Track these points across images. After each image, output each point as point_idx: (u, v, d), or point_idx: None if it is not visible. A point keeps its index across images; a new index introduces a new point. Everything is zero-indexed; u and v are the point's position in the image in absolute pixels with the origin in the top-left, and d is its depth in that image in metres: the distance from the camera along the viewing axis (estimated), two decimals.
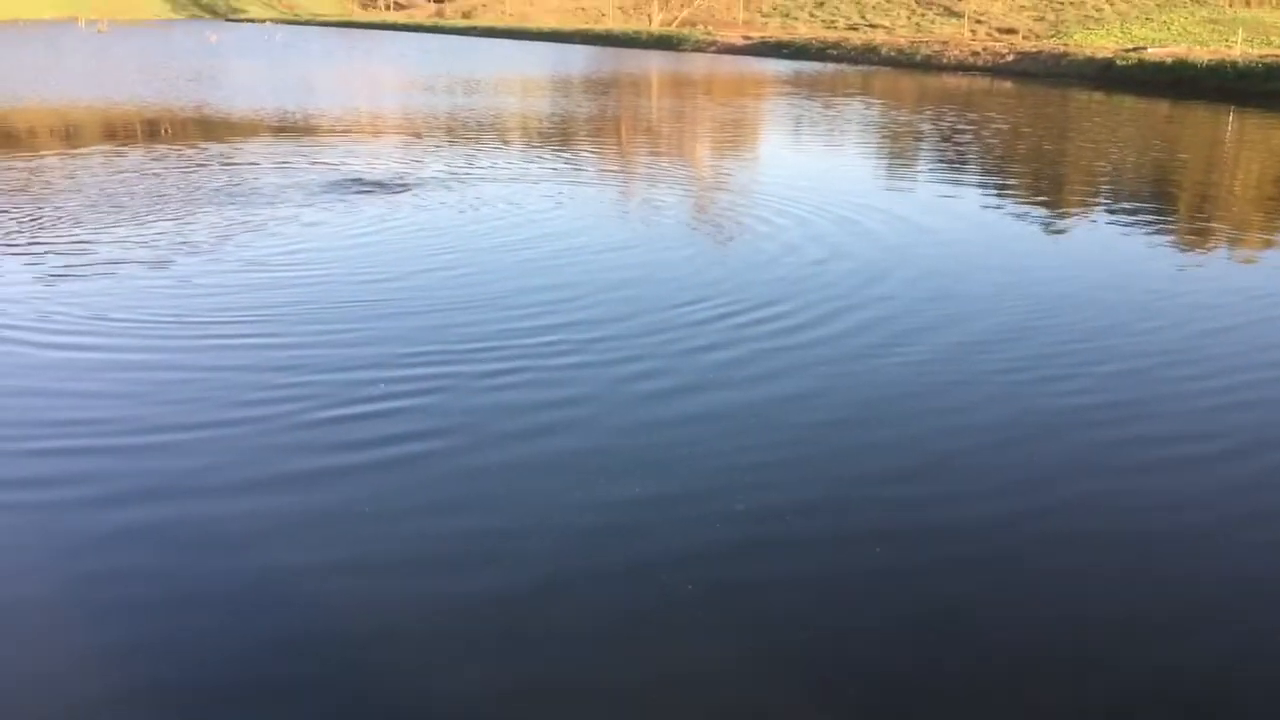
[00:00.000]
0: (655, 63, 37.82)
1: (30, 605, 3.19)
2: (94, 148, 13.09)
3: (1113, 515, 3.82)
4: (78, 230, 8.20)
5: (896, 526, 3.69)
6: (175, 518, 3.67)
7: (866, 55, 38.30)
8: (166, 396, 4.73)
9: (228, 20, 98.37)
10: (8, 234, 8.05)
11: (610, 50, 47.49)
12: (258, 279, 6.82)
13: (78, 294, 6.41)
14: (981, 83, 28.98)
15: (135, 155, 12.44)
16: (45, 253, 7.48)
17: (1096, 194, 11.00)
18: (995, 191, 11.07)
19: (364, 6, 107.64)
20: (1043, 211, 9.97)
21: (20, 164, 11.63)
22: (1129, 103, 23.04)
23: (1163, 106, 22.04)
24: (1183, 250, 8.41)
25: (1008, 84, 28.35)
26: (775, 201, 9.76)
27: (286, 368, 5.09)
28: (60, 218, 8.65)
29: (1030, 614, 3.21)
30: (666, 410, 4.64)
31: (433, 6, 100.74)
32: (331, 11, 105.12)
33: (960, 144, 15.10)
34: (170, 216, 8.77)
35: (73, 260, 7.25)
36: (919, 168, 12.83)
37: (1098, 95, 24.77)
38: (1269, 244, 8.89)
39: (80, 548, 3.49)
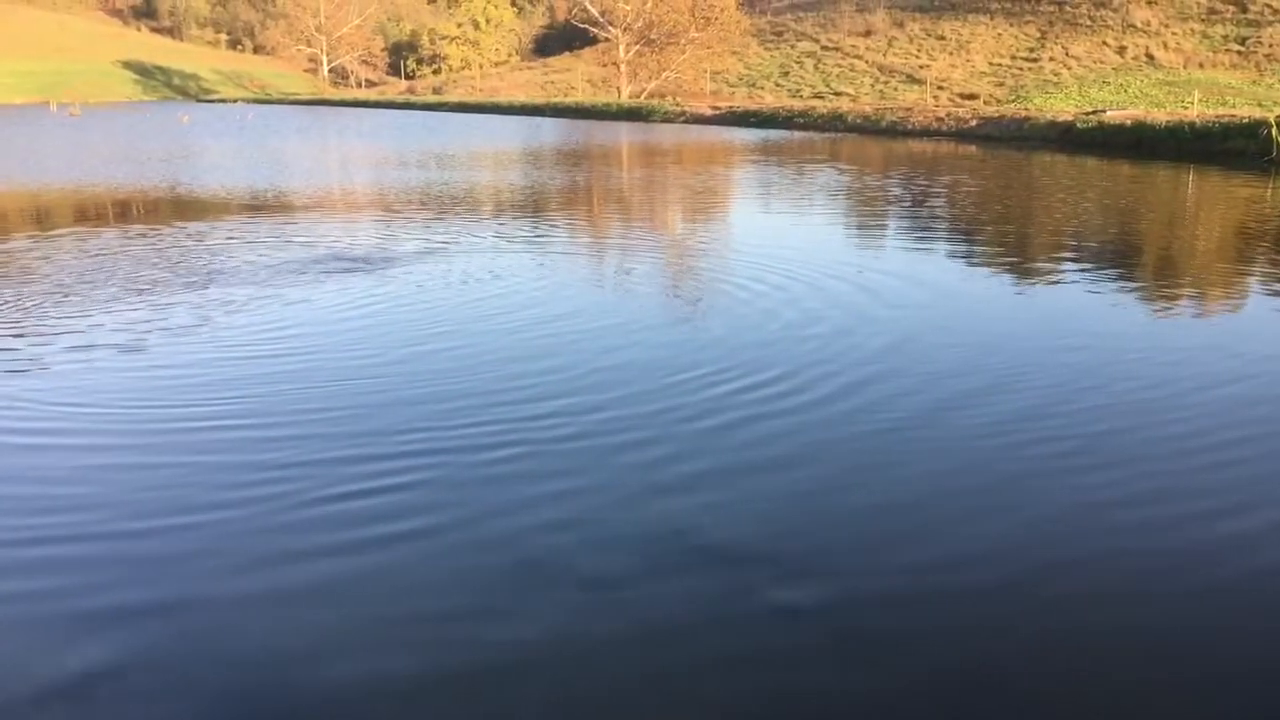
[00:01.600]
0: (626, 133, 38.29)
1: None
2: (66, 230, 12.95)
3: (1112, 576, 3.74)
4: (48, 315, 8.01)
5: (919, 623, 3.55)
6: (158, 627, 3.46)
7: (833, 122, 38.98)
8: (142, 490, 4.53)
9: (199, 100, 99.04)
10: None
11: (581, 122, 48.08)
12: (239, 361, 6.64)
13: (47, 382, 6.20)
14: (946, 147, 29.50)
15: (108, 236, 12.31)
16: (12, 339, 7.28)
17: (1072, 253, 11.08)
18: (976, 253, 11.15)
19: (335, 85, 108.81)
20: (1023, 272, 10.01)
21: None
22: (1091, 164, 23.48)
23: (1124, 167, 22.47)
24: (1162, 308, 8.44)
25: (972, 148, 28.86)
26: (760, 268, 9.74)
27: (271, 454, 4.91)
28: (29, 302, 8.46)
29: (1037, 681, 3.12)
30: (672, 488, 4.48)
31: (404, 83, 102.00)
32: (303, 90, 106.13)
33: (935, 207, 15.27)
34: (145, 299, 8.60)
35: (42, 347, 7.04)
36: (898, 231, 12.90)
37: (1060, 157, 25.23)
38: (1244, 298, 8.94)
39: (56, 677, 3.28)
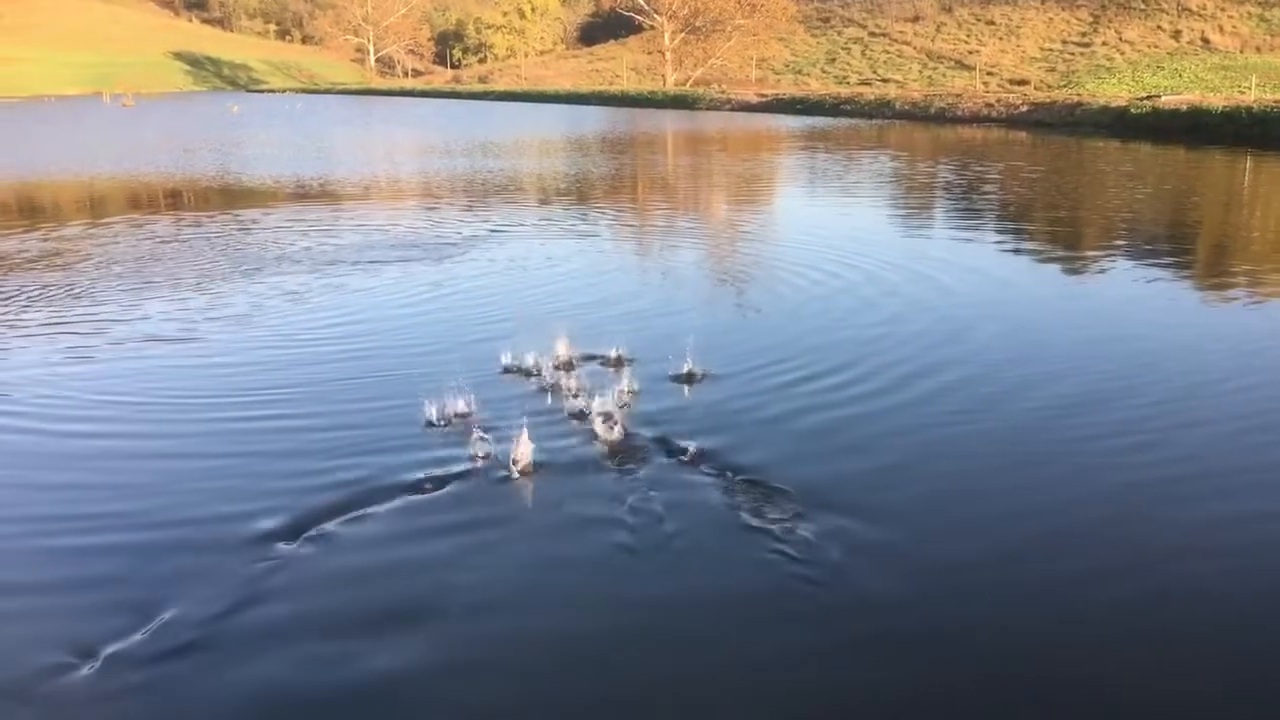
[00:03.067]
0: (672, 121, 38.12)
1: None
2: (118, 218, 13.12)
3: (1221, 601, 3.54)
4: (99, 305, 8.02)
5: (991, 619, 3.45)
6: (206, 623, 3.41)
7: (880, 109, 38.54)
8: (194, 486, 4.46)
9: (248, 91, 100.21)
10: (24, 310, 7.86)
11: (626, 110, 47.94)
12: (294, 353, 6.60)
13: (98, 374, 6.15)
14: (997, 133, 29.03)
15: (161, 225, 12.44)
16: (64, 331, 7.24)
17: (1155, 244, 10.77)
18: (1034, 241, 10.92)
19: (381, 74, 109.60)
20: (1105, 263, 9.68)
21: (41, 237, 11.60)
22: (1147, 150, 23.01)
23: (1181, 153, 21.98)
24: (1225, 297, 8.19)
25: (1023, 134, 28.38)
26: (831, 256, 9.60)
27: (330, 450, 4.83)
28: (82, 292, 8.50)
29: (1107, 680, 3.03)
30: (735, 482, 4.38)
31: (449, 72, 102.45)
32: (350, 79, 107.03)
33: (995, 194, 14.99)
34: (198, 288, 8.62)
35: (93, 339, 7.00)
36: (963, 219, 12.62)
37: (1114, 143, 24.74)
38: None
39: (98, 664, 3.22)
